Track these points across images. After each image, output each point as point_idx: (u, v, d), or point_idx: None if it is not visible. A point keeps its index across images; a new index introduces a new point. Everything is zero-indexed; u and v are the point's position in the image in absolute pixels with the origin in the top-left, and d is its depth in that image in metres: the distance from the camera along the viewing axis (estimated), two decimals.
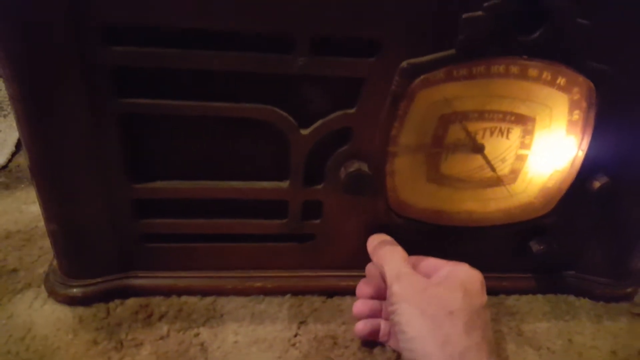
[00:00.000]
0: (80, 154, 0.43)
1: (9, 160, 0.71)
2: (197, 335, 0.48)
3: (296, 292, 0.53)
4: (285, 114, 0.44)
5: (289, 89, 0.43)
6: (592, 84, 0.43)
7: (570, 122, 0.46)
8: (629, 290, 0.57)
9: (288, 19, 0.38)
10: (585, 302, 0.56)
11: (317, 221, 0.50)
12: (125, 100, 0.41)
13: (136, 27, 0.38)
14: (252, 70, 0.41)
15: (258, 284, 0.52)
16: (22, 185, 0.66)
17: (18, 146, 0.72)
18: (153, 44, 0.39)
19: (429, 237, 0.52)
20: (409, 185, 0.49)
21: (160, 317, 0.49)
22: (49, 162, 0.44)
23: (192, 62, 0.40)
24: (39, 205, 0.47)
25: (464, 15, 0.38)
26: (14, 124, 0.42)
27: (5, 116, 0.80)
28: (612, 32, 0.41)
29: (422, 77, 0.42)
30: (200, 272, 0.52)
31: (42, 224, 0.49)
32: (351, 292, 0.53)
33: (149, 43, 0.39)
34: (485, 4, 0.38)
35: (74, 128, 0.42)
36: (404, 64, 0.41)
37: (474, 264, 0.49)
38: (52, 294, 0.50)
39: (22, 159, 0.71)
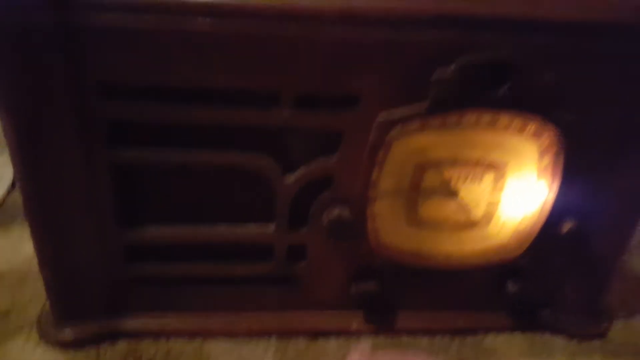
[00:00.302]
0: (73, 199, 0.45)
1: (5, 197, 0.72)
2: None
3: (281, 334, 0.55)
4: (270, 161, 0.46)
5: (274, 138, 0.46)
6: (560, 132, 0.46)
7: (541, 168, 0.49)
8: (602, 327, 0.59)
9: (274, 78, 0.41)
10: (560, 340, 0.58)
11: (302, 263, 0.52)
12: (118, 150, 0.44)
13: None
14: (240, 123, 0.44)
15: (244, 325, 0.54)
16: (17, 223, 0.67)
17: (14, 183, 0.73)
18: (147, 98, 0.42)
19: (410, 278, 0.54)
20: (390, 228, 0.51)
21: None
22: (43, 207, 0.46)
23: (184, 116, 0.43)
24: (34, 248, 0.48)
25: (435, 73, 0.41)
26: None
27: (1, 152, 0.80)
28: (578, 83, 0.44)
29: (398, 127, 0.45)
30: (188, 315, 0.54)
31: (36, 262, 0.50)
32: (335, 333, 0.55)
33: (143, 97, 0.42)
34: (455, 62, 0.41)
35: (67, 175, 0.44)
36: (381, 117, 0.44)
37: (453, 302, 0.51)
38: (44, 336, 0.52)
39: (18, 195, 0.71)
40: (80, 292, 0.50)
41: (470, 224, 0.52)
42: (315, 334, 0.55)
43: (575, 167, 0.48)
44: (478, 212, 0.51)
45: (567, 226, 0.51)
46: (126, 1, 0.38)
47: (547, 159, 0.48)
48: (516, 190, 0.50)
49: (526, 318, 0.58)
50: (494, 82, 0.43)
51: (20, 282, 0.59)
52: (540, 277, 0.55)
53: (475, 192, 0.50)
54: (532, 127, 0.46)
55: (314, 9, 0.39)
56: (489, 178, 0.49)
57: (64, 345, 0.51)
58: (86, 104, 0.41)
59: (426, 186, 0.49)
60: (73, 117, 0.41)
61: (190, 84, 0.41)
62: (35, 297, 0.57)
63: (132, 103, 0.42)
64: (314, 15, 0.39)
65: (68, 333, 0.51)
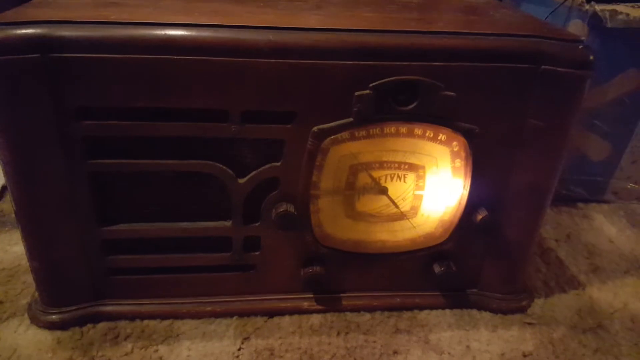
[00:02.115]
0: (57, 202, 0.54)
1: None
2: (156, 351, 0.58)
3: (241, 314, 0.63)
4: (224, 167, 0.54)
5: (227, 147, 0.54)
6: (466, 139, 0.55)
7: (454, 168, 0.58)
8: (523, 303, 0.68)
9: (222, 98, 0.50)
10: (485, 315, 0.67)
11: (257, 253, 0.61)
12: (94, 161, 0.52)
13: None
14: (196, 135, 0.52)
15: (208, 308, 0.62)
16: (6, 229, 0.76)
17: (2, 193, 0.82)
18: (117, 116, 0.50)
19: (351, 263, 0.63)
20: (331, 221, 0.60)
21: (126, 338, 0.59)
22: (32, 210, 0.54)
23: (149, 131, 0.51)
24: (23, 245, 0.56)
25: (356, 93, 0.50)
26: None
27: None
28: (474, 98, 0.53)
29: (330, 137, 0.53)
30: (159, 299, 0.62)
31: (24, 262, 0.58)
32: (289, 312, 0.63)
33: (113, 116, 0.50)
34: (371, 85, 0.50)
35: (52, 182, 0.52)
36: (315, 129, 0.52)
37: (390, 284, 0.59)
38: (34, 320, 0.60)
39: (6, 205, 0.80)
40: (65, 281, 0.59)
41: (400, 216, 0.60)
42: (271, 314, 0.64)
43: (482, 168, 0.57)
44: (405, 205, 0.60)
45: (480, 216, 0.59)
46: (98, 41, 0.46)
47: (459, 162, 0.57)
48: (435, 187, 0.59)
49: (455, 297, 0.67)
50: (406, 99, 0.51)
51: (12, 277, 0.67)
52: (464, 259, 0.64)
53: (401, 189, 0.58)
54: (442, 136, 0.55)
55: (252, 42, 0.48)
56: (411, 177, 0.58)
57: (52, 327, 0.59)
58: (66, 125, 0.49)
59: (360, 185, 0.58)
60: (55, 135, 0.50)
61: (153, 105, 0.49)
62: (25, 289, 0.65)
63: (102, 122, 0.50)
64: (253, 47, 0.47)
65: (55, 317, 0.59)
